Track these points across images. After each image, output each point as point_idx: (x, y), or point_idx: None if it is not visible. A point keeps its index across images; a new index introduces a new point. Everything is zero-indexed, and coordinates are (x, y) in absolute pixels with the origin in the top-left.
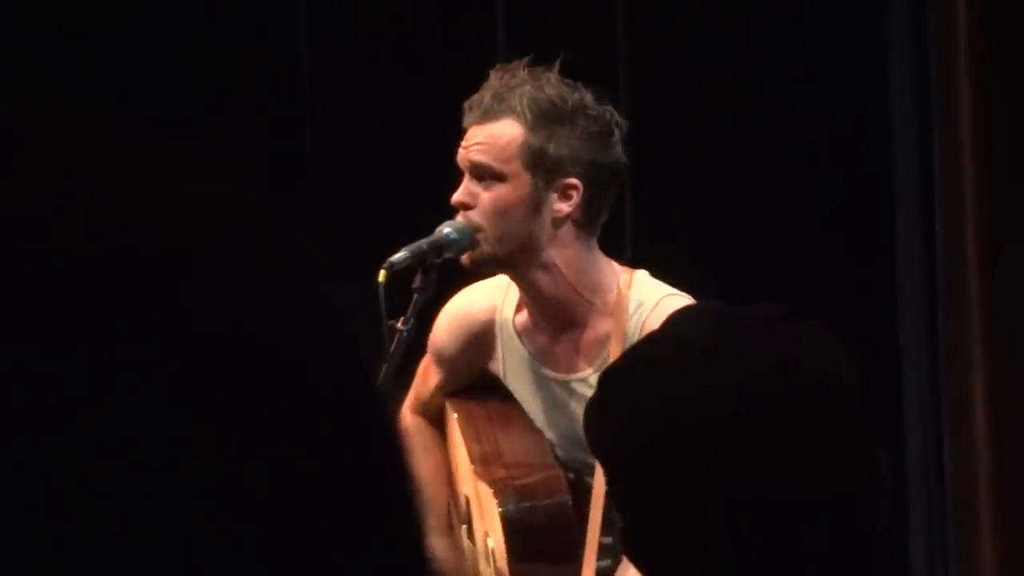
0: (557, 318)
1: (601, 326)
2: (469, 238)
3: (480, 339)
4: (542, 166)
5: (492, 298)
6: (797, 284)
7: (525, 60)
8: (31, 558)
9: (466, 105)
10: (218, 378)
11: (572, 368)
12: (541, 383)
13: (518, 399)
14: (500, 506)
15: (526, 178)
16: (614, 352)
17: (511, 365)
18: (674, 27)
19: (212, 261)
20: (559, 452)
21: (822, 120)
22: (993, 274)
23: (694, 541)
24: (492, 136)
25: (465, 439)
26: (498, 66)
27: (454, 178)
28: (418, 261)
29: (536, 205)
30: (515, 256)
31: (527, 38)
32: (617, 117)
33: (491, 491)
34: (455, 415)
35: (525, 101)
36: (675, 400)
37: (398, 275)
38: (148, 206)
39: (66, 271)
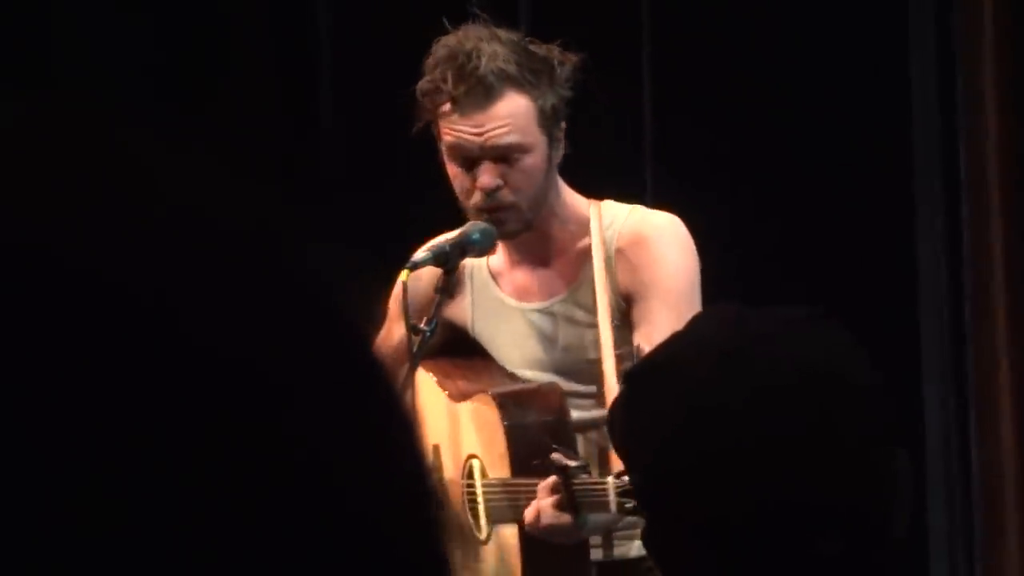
0: (541, 251)
1: (577, 247)
2: (491, 239)
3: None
4: (549, 123)
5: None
6: (817, 285)
7: (473, 21)
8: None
9: (449, 87)
10: (221, 391)
11: (552, 293)
12: (517, 318)
13: (487, 343)
14: (501, 411)
15: (543, 140)
16: (596, 265)
17: (482, 310)
18: (697, 28)
19: (216, 272)
20: (529, 376)
21: (844, 119)
22: (1020, 275)
23: (712, 541)
24: (509, 115)
25: (438, 383)
26: (438, 42)
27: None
28: (440, 262)
29: (550, 160)
30: (539, 213)
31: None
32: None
33: (479, 404)
34: (421, 369)
35: (520, 66)
36: (697, 401)
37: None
38: (147, 217)
39: (64, 279)
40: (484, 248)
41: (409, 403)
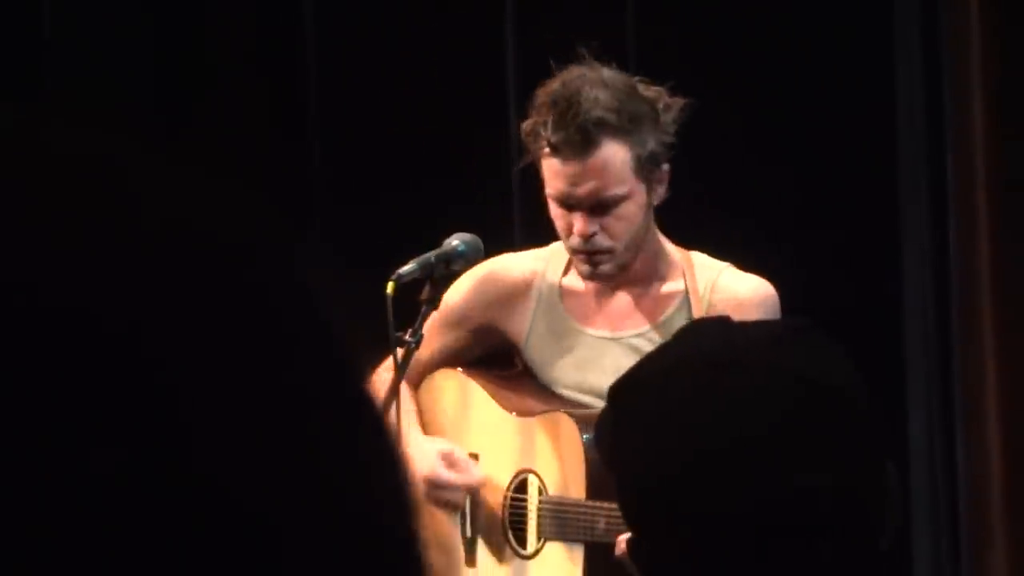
0: (625, 283)
1: (661, 287)
2: (476, 250)
3: (510, 301)
4: (647, 169)
5: (534, 264)
6: (801, 296)
7: (564, 69)
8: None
9: (545, 139)
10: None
11: (622, 326)
12: (577, 341)
13: (541, 360)
14: (583, 430)
15: (640, 187)
16: (695, 306)
17: (541, 327)
18: (682, 34)
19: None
20: (584, 400)
21: (830, 129)
22: (1007, 284)
23: (701, 551)
24: (605, 166)
25: (491, 395)
26: (545, 85)
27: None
28: (426, 273)
29: (649, 204)
30: (634, 255)
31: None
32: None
33: (550, 422)
34: (469, 379)
35: (621, 113)
36: (684, 414)
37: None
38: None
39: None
40: (470, 259)
41: (392, 415)
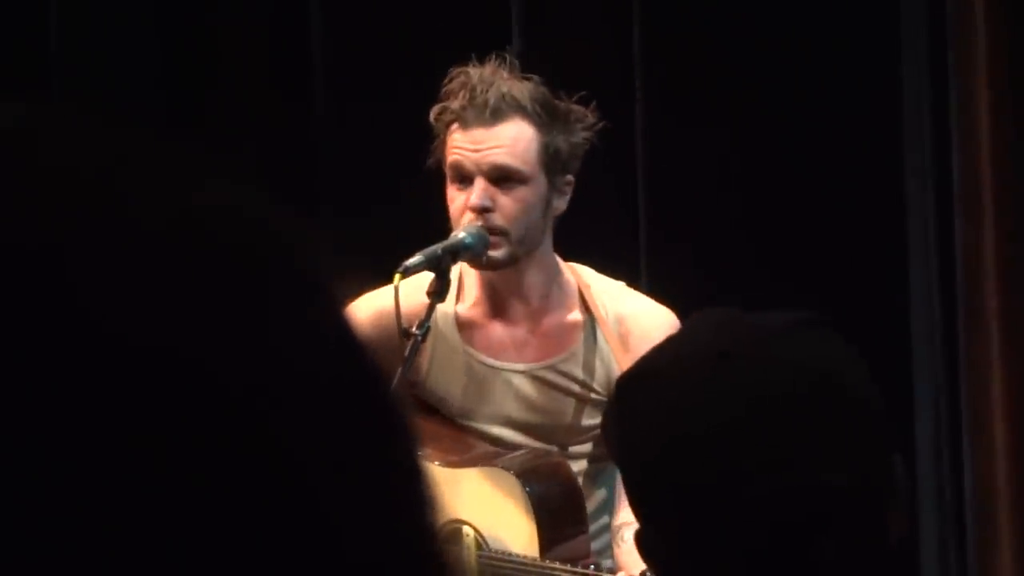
0: (523, 310)
1: (564, 315)
2: (483, 243)
3: (392, 340)
4: (554, 166)
5: (420, 295)
6: (808, 291)
7: (496, 58)
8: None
9: (456, 106)
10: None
11: (536, 357)
12: (478, 373)
13: (441, 395)
14: (525, 484)
15: (542, 179)
16: (607, 334)
17: (440, 359)
18: (688, 37)
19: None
20: (495, 433)
21: (837, 127)
22: (1013, 283)
23: (708, 543)
24: (511, 138)
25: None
26: (469, 66)
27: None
28: (433, 265)
29: (547, 204)
30: (527, 255)
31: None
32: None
33: (487, 473)
34: None
35: (534, 101)
36: (691, 405)
37: None
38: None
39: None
40: (476, 251)
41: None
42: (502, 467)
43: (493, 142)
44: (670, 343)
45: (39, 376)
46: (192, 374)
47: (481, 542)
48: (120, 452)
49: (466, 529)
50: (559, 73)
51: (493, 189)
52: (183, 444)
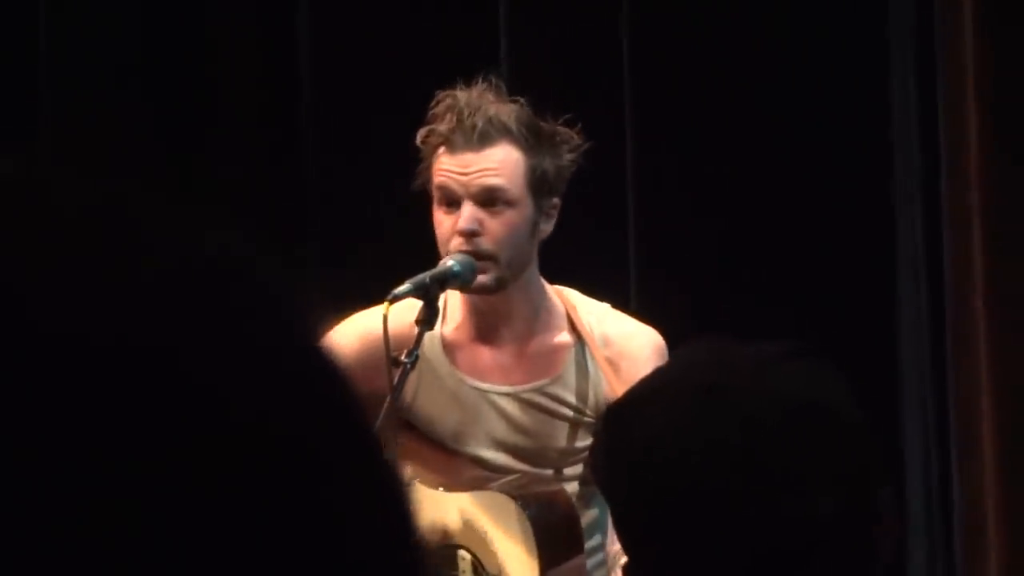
0: (510, 332)
1: (552, 338)
2: (471, 270)
3: (380, 363)
4: (541, 189)
5: (411, 316)
6: (795, 318)
7: (484, 81)
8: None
9: (444, 129)
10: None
11: (523, 380)
12: (466, 396)
13: (428, 418)
14: (525, 509)
15: (529, 202)
16: (597, 355)
17: (427, 383)
18: (677, 45)
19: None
20: (485, 456)
21: (826, 148)
22: (1001, 303)
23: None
24: (499, 161)
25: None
26: (456, 89)
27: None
28: (421, 294)
29: (535, 227)
30: (514, 278)
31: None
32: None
33: (491, 498)
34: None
35: (521, 124)
36: (679, 436)
37: None
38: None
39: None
40: (465, 279)
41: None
42: (499, 491)
43: (481, 165)
44: (658, 374)
45: (37, 383)
46: (186, 380)
47: (478, 566)
48: (118, 458)
49: (462, 553)
50: (547, 96)
51: (481, 213)
52: (179, 449)
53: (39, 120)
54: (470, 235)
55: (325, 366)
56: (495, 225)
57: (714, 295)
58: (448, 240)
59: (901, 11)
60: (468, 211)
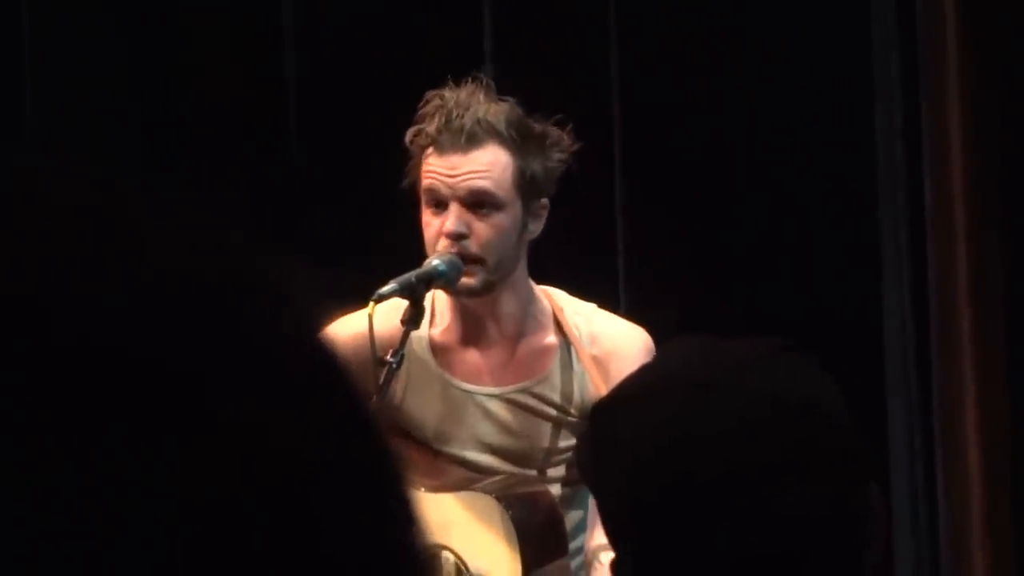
0: (497, 333)
1: (540, 339)
2: (457, 270)
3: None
4: (529, 190)
5: (397, 317)
6: (783, 316)
7: (473, 81)
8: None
9: (432, 130)
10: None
11: (510, 381)
12: (453, 398)
13: (416, 419)
14: (507, 508)
15: (517, 203)
16: (583, 356)
17: (415, 384)
18: (666, 52)
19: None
20: (471, 457)
21: (810, 154)
22: (985, 310)
23: (684, 574)
24: (487, 163)
25: None
26: (446, 88)
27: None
28: (406, 293)
29: (523, 229)
30: (502, 281)
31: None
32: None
33: (475, 499)
34: None
35: (510, 126)
36: (666, 433)
37: None
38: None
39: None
40: (450, 279)
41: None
42: (483, 491)
43: (469, 167)
44: (644, 372)
45: (37, 383)
46: (178, 381)
47: (462, 567)
48: (118, 458)
49: (446, 554)
50: (533, 97)
51: (468, 215)
52: (179, 450)
53: (23, 120)
54: (457, 238)
55: (334, 366)
56: (482, 228)
57: (701, 297)
58: (435, 242)
59: (883, 20)
60: (455, 213)
